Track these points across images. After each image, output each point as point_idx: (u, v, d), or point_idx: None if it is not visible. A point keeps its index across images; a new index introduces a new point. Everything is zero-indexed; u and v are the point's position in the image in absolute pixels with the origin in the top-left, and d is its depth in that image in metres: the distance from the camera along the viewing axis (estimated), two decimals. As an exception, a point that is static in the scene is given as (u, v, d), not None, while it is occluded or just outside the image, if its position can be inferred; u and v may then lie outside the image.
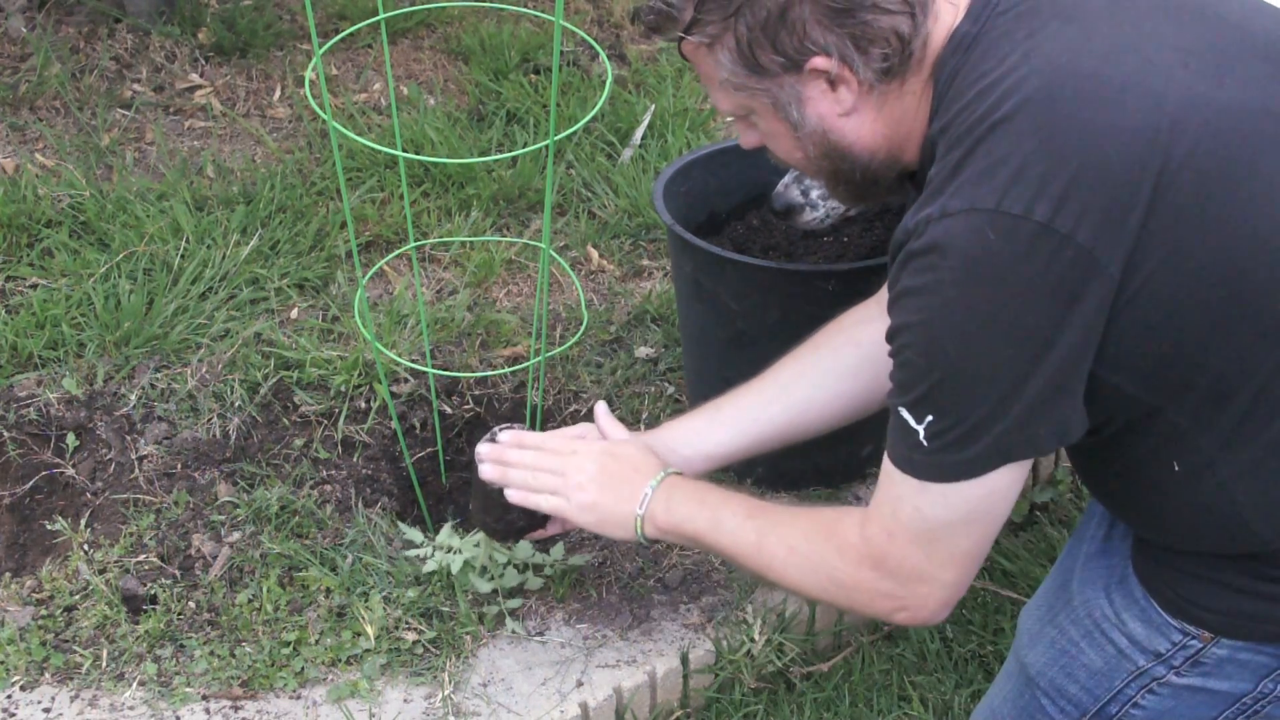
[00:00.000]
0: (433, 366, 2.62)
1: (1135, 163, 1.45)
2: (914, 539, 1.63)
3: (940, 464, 1.56)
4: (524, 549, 2.30)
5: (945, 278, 1.47)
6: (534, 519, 2.06)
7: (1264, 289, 1.50)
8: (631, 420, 2.66)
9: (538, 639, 2.26)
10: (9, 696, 2.16)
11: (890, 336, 1.57)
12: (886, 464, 1.62)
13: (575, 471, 1.98)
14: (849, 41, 1.58)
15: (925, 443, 1.55)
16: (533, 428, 2.50)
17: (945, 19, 1.60)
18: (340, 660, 2.21)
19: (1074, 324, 1.47)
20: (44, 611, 2.27)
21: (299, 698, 2.16)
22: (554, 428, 2.65)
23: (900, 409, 1.57)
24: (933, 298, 1.49)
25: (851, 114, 1.65)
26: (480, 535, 2.24)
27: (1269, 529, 1.61)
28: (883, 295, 1.73)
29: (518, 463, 2.02)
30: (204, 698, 2.16)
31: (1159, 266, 1.47)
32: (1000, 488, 1.57)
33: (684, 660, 2.25)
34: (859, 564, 1.70)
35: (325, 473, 2.53)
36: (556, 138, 2.06)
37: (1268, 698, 1.70)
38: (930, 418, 1.53)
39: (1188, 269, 1.48)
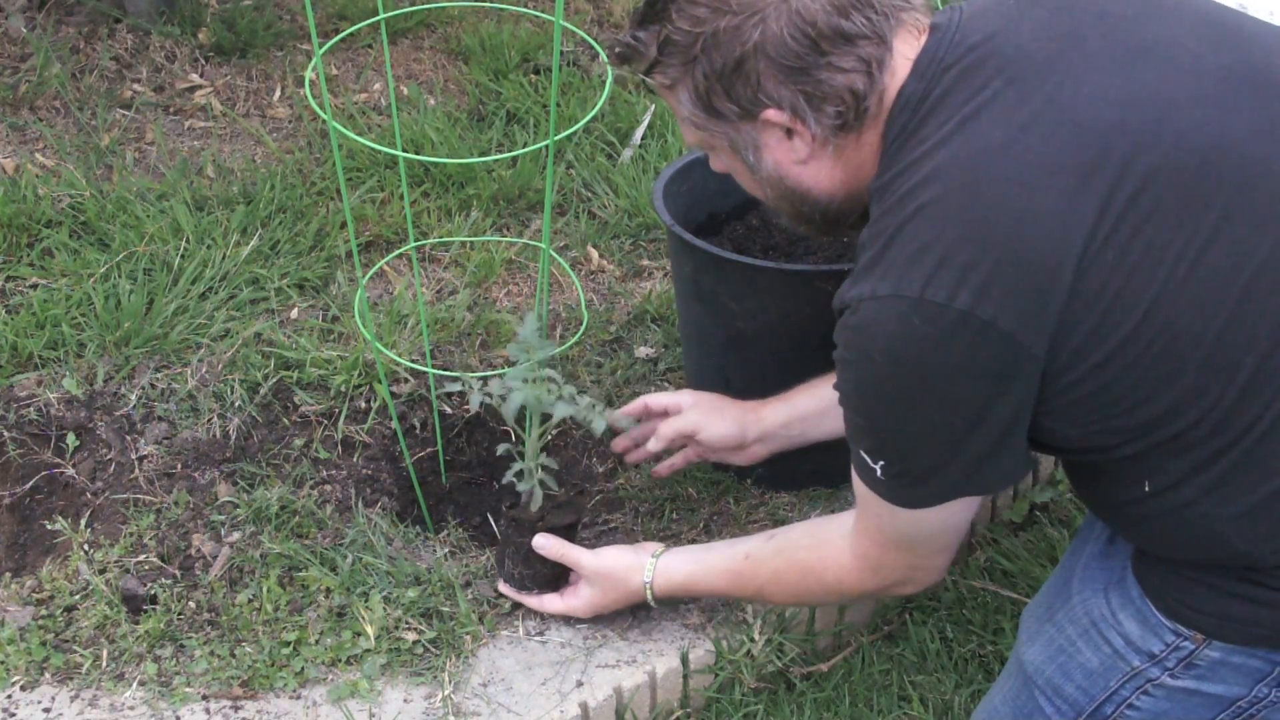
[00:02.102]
0: (433, 366, 2.62)
1: (1056, 248, 1.49)
2: (901, 546, 1.81)
3: (902, 496, 1.70)
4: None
5: (876, 358, 1.56)
6: (559, 569, 2.26)
7: (1201, 338, 1.52)
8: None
9: (538, 639, 2.26)
10: (9, 696, 2.16)
11: (836, 390, 1.66)
12: (861, 488, 1.75)
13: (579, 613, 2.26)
14: (802, 98, 1.62)
15: (884, 479, 1.68)
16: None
17: (901, 73, 1.63)
18: (340, 660, 2.21)
19: (1004, 397, 1.55)
20: (44, 611, 2.27)
21: (299, 698, 2.16)
22: (555, 428, 2.66)
23: (858, 450, 1.70)
24: (865, 373, 1.59)
25: (808, 162, 1.69)
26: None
27: (1245, 542, 1.61)
28: None
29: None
30: (204, 698, 2.16)
31: (1085, 340, 1.51)
32: (969, 503, 1.73)
33: (684, 660, 2.25)
34: (862, 578, 1.90)
35: (325, 473, 2.53)
36: (556, 138, 2.06)
37: (1262, 702, 1.71)
38: (883, 463, 1.66)
39: (1116, 336, 1.51)
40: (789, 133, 1.67)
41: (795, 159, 1.69)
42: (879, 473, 1.67)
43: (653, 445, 2.35)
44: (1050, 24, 1.60)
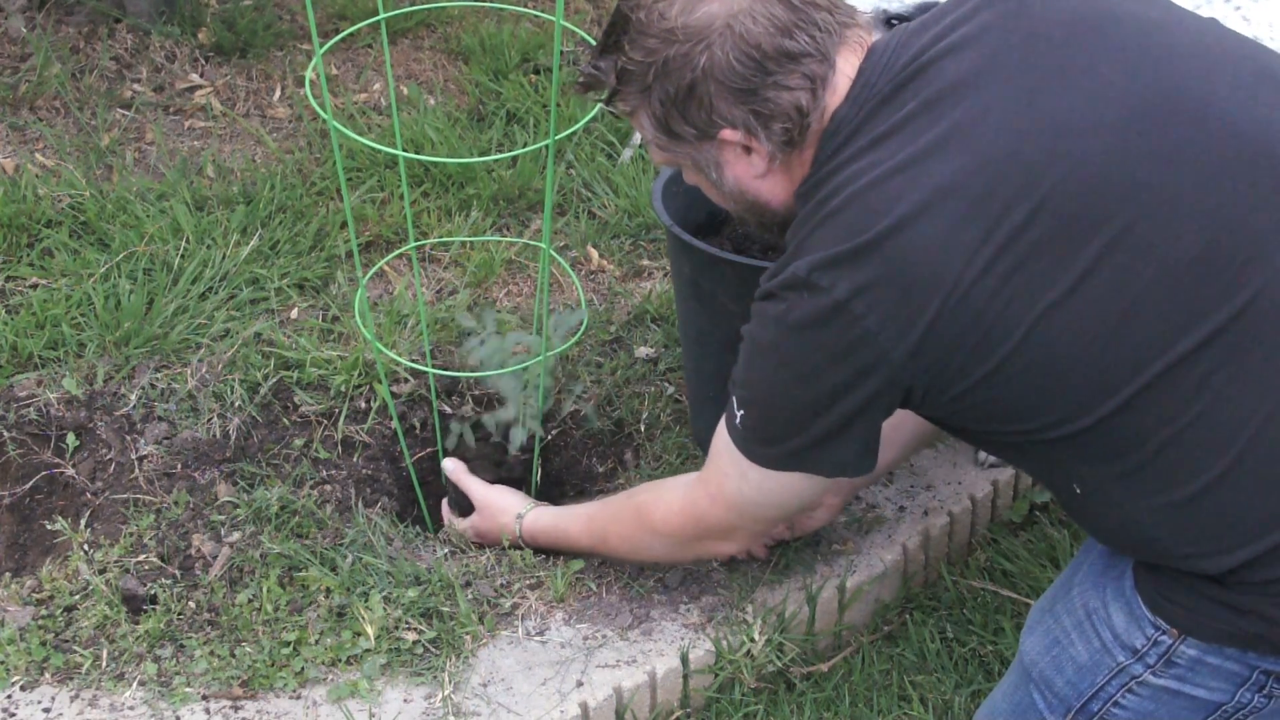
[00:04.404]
0: (433, 366, 2.62)
1: (933, 269, 1.59)
2: (731, 505, 1.96)
3: (751, 449, 1.83)
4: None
5: (769, 321, 1.72)
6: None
7: (1079, 359, 1.60)
8: (631, 420, 2.66)
9: (538, 639, 2.27)
10: (9, 696, 2.16)
11: (741, 331, 1.81)
12: (721, 441, 1.88)
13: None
14: (752, 117, 1.73)
15: (740, 428, 1.82)
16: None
17: (841, 90, 1.74)
18: (340, 660, 2.21)
19: (856, 390, 1.68)
20: (44, 611, 2.27)
21: (299, 698, 2.16)
22: (555, 427, 2.66)
23: (732, 395, 1.83)
24: (760, 333, 1.75)
25: (765, 176, 1.81)
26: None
27: (1185, 547, 1.66)
28: None
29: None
30: (204, 698, 2.16)
31: (970, 357, 1.62)
32: (804, 487, 1.86)
33: (684, 660, 2.25)
34: (683, 524, 2.07)
35: (325, 473, 2.53)
36: (556, 138, 2.06)
37: (1246, 708, 1.71)
38: (743, 413, 1.81)
39: (997, 355, 1.61)
40: (746, 150, 1.77)
41: (755, 174, 1.80)
42: (738, 420, 1.81)
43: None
44: (977, 43, 1.67)
